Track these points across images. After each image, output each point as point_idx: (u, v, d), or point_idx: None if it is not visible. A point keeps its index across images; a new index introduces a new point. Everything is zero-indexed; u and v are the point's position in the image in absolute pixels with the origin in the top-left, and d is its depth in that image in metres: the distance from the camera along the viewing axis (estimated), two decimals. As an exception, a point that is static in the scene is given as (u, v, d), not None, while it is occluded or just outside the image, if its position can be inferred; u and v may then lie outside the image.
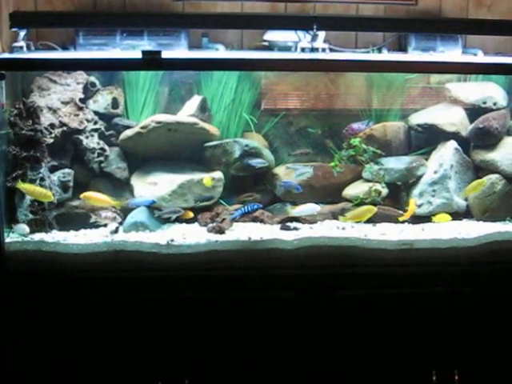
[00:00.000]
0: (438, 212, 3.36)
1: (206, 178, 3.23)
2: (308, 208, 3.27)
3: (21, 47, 3.09)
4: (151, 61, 2.84)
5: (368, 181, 3.41)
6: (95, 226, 3.17)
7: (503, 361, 3.13)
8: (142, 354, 2.94)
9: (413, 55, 3.41)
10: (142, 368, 2.95)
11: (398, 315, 3.06)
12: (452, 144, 3.43)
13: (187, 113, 3.30)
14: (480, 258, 3.11)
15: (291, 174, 3.36)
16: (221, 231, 3.12)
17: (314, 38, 3.15)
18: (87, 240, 3.04)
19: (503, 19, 3.65)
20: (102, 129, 3.28)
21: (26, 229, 3.05)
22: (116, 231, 3.14)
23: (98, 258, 2.96)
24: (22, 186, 3.03)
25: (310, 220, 3.27)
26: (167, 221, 3.21)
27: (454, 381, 3.07)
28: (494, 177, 3.40)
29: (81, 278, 2.92)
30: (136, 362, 2.95)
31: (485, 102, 3.48)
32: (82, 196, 3.15)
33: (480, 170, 3.47)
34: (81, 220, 3.18)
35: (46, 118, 3.17)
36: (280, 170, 3.43)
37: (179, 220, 3.26)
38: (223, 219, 3.18)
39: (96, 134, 3.25)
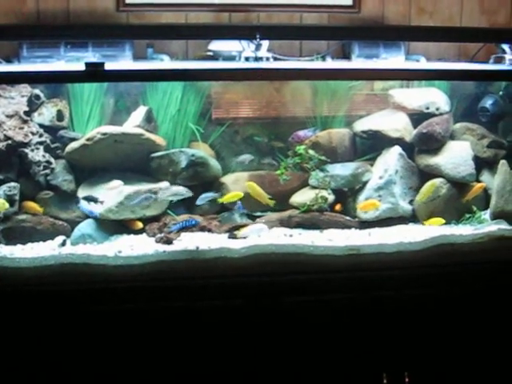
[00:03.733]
0: (384, 217, 3.42)
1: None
2: (256, 229, 3.28)
3: (-37, 61, 3.07)
4: (94, 73, 2.83)
5: (314, 188, 3.44)
6: (43, 239, 3.16)
7: (451, 361, 3.18)
8: (92, 366, 2.92)
9: (356, 62, 3.45)
10: (92, 380, 2.94)
11: (347, 320, 3.08)
12: (396, 149, 3.48)
13: (133, 124, 3.30)
14: (426, 261, 3.15)
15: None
16: (168, 241, 3.12)
17: (258, 47, 3.17)
18: (34, 254, 3.01)
19: (445, 26, 3.73)
20: (48, 141, 3.25)
21: None
22: (63, 244, 3.12)
23: (45, 272, 2.92)
24: None
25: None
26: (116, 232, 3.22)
27: (404, 383, 3.10)
28: (438, 181, 3.46)
29: (28, 292, 2.88)
30: (86, 374, 2.93)
31: (428, 108, 3.53)
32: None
33: (425, 174, 3.52)
34: (28, 234, 3.16)
35: (-10, 132, 3.16)
36: (227, 179, 3.45)
37: (127, 231, 3.27)
38: (169, 232, 3.18)
39: (41, 147, 3.22)
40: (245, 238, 3.21)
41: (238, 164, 3.48)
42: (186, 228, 3.18)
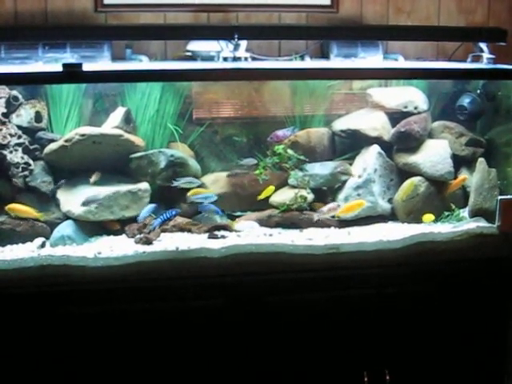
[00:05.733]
0: (363, 216, 3.42)
1: None
2: (249, 225, 3.32)
3: None
4: (72, 74, 2.82)
5: (294, 187, 3.44)
6: (22, 241, 3.14)
7: (431, 359, 3.20)
8: (71, 367, 2.92)
9: (335, 62, 3.47)
10: (72, 382, 2.94)
11: (328, 318, 3.09)
12: (375, 148, 3.49)
13: (111, 125, 3.28)
14: (405, 259, 3.17)
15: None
16: (148, 242, 3.12)
17: (236, 47, 3.18)
18: (13, 256, 3.00)
19: (422, 25, 3.76)
20: (26, 143, 3.23)
21: None
22: (43, 246, 3.11)
23: (25, 274, 2.91)
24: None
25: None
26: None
27: (385, 380, 3.12)
28: (416, 179, 3.48)
29: (8, 294, 2.87)
30: (65, 376, 2.93)
31: (406, 107, 3.55)
32: (6, 208, 3.15)
33: (403, 173, 3.54)
34: (6, 236, 3.14)
35: (-32, 134, 3.14)
36: (207, 179, 3.46)
37: (106, 232, 3.26)
38: (150, 230, 3.18)
39: (20, 149, 3.21)
40: (237, 231, 3.28)
41: (241, 166, 3.47)
42: (168, 220, 3.18)
